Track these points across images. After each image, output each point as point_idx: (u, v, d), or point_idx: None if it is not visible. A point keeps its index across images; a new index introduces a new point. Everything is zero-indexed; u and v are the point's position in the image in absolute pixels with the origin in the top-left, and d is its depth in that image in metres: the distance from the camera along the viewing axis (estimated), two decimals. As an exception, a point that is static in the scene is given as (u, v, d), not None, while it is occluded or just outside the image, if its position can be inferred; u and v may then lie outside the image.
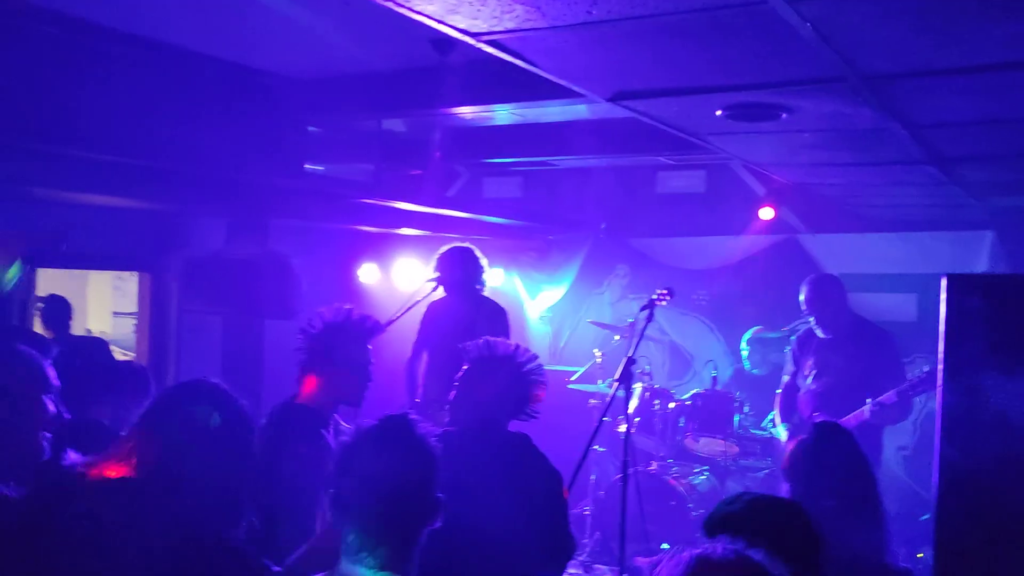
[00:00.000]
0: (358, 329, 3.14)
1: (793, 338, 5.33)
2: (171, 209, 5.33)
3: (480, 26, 2.24)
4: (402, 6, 2.09)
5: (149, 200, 4.86)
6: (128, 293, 10.56)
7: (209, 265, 5.45)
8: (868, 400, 4.56)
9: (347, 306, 3.18)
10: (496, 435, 2.99)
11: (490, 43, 2.38)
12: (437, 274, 4.97)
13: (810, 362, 5.04)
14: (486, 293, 5.13)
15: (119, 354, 11.12)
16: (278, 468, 2.80)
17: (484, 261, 5.04)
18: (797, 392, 5.13)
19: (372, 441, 1.69)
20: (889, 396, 4.48)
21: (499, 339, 3.08)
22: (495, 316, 5.01)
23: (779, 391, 5.28)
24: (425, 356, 5.11)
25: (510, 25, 2.21)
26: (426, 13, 2.15)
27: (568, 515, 3.05)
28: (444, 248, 5.05)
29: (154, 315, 5.76)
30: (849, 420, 4.64)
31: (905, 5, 1.97)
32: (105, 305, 10.84)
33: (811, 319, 4.98)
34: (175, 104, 4.18)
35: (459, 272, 4.95)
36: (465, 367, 3.06)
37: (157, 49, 4.03)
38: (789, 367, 5.25)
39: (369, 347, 3.14)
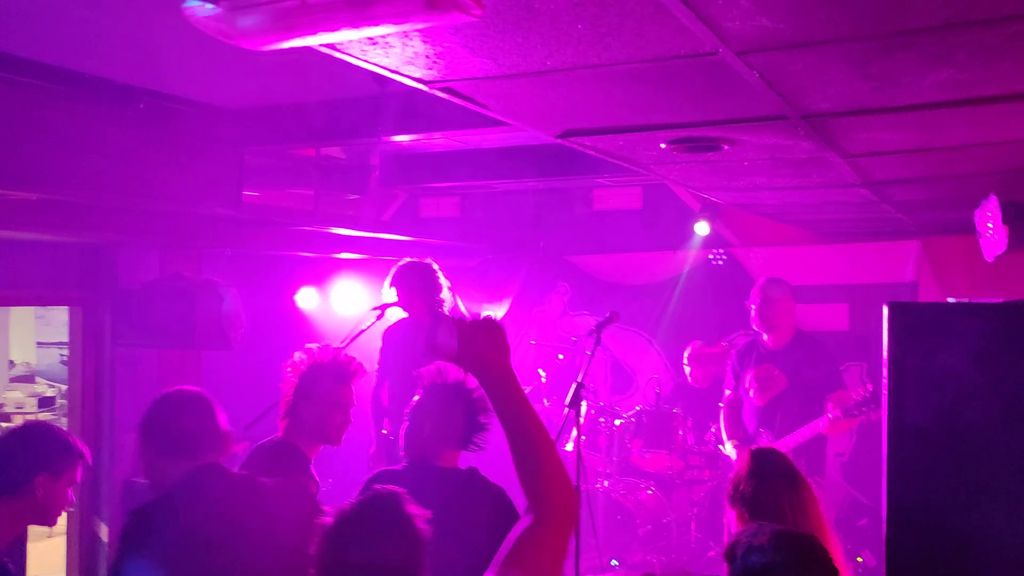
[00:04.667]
0: (344, 370, 3.18)
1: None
2: (105, 242, 5.20)
3: (434, 75, 2.25)
4: (357, 58, 2.09)
5: (81, 234, 4.74)
6: (52, 322, 10.23)
7: (143, 297, 5.32)
8: (825, 415, 4.67)
9: (334, 346, 3.25)
10: (436, 471, 2.94)
11: (443, 90, 2.40)
12: (393, 290, 4.79)
13: (750, 375, 5.15)
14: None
15: (44, 385, 10.77)
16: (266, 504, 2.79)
17: (443, 277, 4.88)
18: (741, 406, 5.24)
19: (356, 524, 1.62)
20: (835, 414, 4.60)
21: (449, 366, 3.04)
22: None
23: (722, 405, 5.38)
24: (388, 385, 4.96)
25: (464, 74, 2.23)
26: (381, 65, 2.15)
27: None
28: (402, 263, 4.86)
29: (87, 350, 5.58)
30: (804, 432, 4.74)
31: (846, 56, 2.05)
32: (29, 335, 10.47)
33: (752, 316, 5.08)
34: (108, 136, 4.08)
35: (419, 291, 4.77)
36: (416, 396, 3.06)
37: (87, 82, 3.93)
38: (730, 381, 5.35)
39: (352, 389, 3.18)
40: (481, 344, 1.82)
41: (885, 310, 2.64)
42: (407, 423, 3.03)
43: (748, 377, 5.12)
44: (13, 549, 2.71)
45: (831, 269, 6.42)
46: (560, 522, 1.76)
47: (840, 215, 5.28)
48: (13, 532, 2.66)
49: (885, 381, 2.64)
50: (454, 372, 2.97)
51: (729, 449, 5.22)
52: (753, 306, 5.09)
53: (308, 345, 3.26)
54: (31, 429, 2.89)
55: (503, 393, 1.81)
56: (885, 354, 2.62)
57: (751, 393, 5.08)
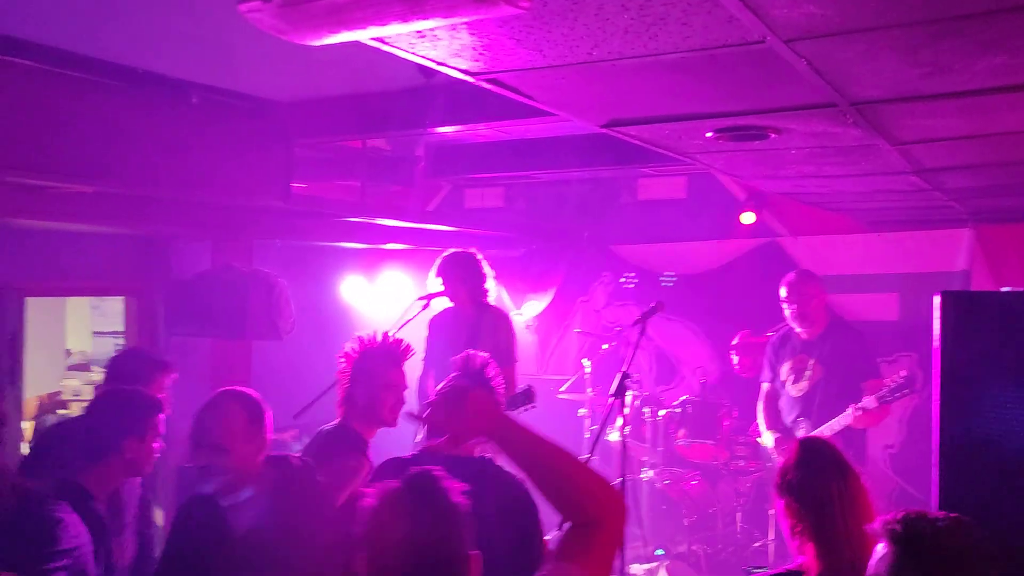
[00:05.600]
0: (393, 352, 3.29)
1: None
2: (158, 233, 5.32)
3: (481, 67, 2.27)
4: (405, 51, 2.12)
5: (136, 226, 4.85)
6: (107, 313, 10.46)
7: (195, 287, 5.43)
8: (850, 407, 4.63)
9: (382, 331, 3.35)
10: (443, 459, 2.97)
11: (489, 81, 2.42)
12: (439, 280, 4.86)
13: (787, 366, 5.09)
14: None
15: (100, 374, 10.99)
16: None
17: (487, 267, 4.92)
18: (778, 398, 5.19)
19: (398, 505, 1.67)
20: (869, 401, 4.54)
21: (476, 353, 3.10)
22: (498, 322, 4.87)
23: (760, 398, 5.32)
24: (433, 373, 5.00)
25: (510, 65, 2.25)
26: (429, 57, 2.18)
27: (538, 530, 2.87)
28: (446, 253, 4.92)
29: (141, 339, 5.73)
30: (832, 426, 4.69)
31: (896, 43, 2.02)
32: (84, 325, 10.72)
33: (789, 314, 5.02)
34: (162, 130, 4.18)
35: (463, 281, 4.84)
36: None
37: (141, 77, 4.02)
38: (767, 373, 5.29)
39: (403, 370, 3.30)
40: (456, 417, 1.91)
41: (937, 299, 2.60)
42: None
43: (784, 369, 5.08)
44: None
45: (880, 258, 6.32)
46: (608, 526, 1.81)
47: (889, 203, 5.20)
48: (110, 487, 2.96)
49: (936, 371, 2.61)
50: (479, 360, 2.99)
51: (767, 440, 5.18)
52: (791, 307, 5.00)
53: (359, 333, 3.35)
54: (112, 397, 3.14)
55: (505, 445, 1.88)
56: (936, 344, 2.59)
57: (788, 385, 5.04)
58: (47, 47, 3.64)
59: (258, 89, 4.49)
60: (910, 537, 1.90)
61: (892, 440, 6.15)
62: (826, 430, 4.72)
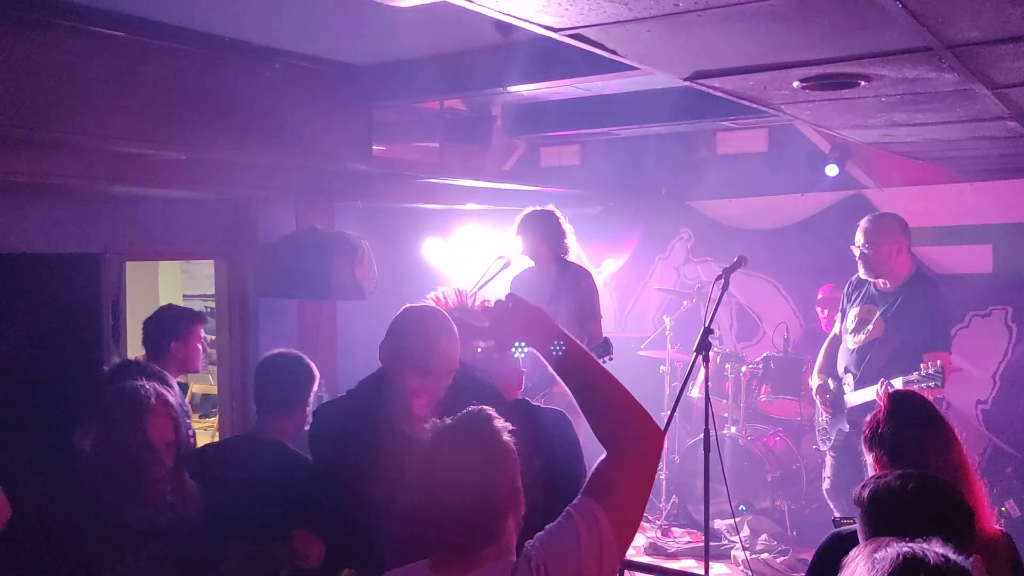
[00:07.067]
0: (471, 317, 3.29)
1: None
2: (245, 198, 5.47)
3: (565, 22, 2.27)
4: (490, 8, 2.13)
5: (226, 190, 5.00)
6: (196, 276, 10.84)
7: (282, 250, 5.58)
8: (879, 382, 4.31)
9: (466, 292, 3.39)
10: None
11: (573, 36, 2.41)
12: (519, 239, 4.89)
13: (855, 311, 4.71)
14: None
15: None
16: None
17: (566, 223, 4.93)
18: (839, 344, 4.86)
19: (451, 441, 1.74)
20: (897, 382, 4.20)
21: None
22: (580, 279, 4.86)
23: (827, 338, 5.05)
24: None
25: (595, 20, 2.24)
26: (513, 14, 2.18)
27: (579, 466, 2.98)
28: (526, 211, 4.93)
29: (232, 301, 5.93)
30: (864, 395, 4.43)
31: (1000, -20, 1.95)
32: (175, 288, 11.13)
33: (858, 256, 4.60)
34: (247, 96, 4.29)
35: (543, 238, 4.86)
36: None
37: (227, 45, 4.13)
38: (839, 314, 4.96)
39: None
40: (507, 326, 1.95)
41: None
42: None
43: (852, 314, 4.73)
44: None
45: (972, 208, 6.09)
46: (636, 459, 1.83)
47: (983, 151, 5.00)
48: (175, 376, 3.76)
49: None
50: None
51: (813, 381, 4.90)
52: (856, 252, 4.59)
53: (459, 287, 3.37)
54: (159, 313, 4.09)
55: (547, 357, 1.91)
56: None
57: (847, 333, 4.72)
58: (139, 18, 3.76)
59: (339, 53, 4.56)
60: (858, 499, 2.00)
61: (984, 396, 5.98)
62: (857, 398, 4.48)
